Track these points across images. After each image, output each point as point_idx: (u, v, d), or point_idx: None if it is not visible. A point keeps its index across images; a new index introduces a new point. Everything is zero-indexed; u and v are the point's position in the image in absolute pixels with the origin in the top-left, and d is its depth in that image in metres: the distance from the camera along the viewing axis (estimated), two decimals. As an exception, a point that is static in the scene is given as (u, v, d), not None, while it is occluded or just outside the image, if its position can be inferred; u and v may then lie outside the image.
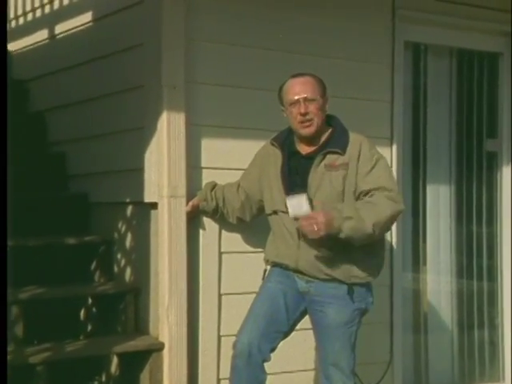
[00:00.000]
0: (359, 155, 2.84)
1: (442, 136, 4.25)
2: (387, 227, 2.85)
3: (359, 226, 2.71)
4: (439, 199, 4.23)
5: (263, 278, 3.04)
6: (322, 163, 2.85)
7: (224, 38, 3.39)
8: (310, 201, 2.74)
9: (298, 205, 2.74)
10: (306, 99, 2.87)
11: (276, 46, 3.50)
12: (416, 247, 4.17)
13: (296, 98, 2.88)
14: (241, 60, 3.43)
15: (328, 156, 2.86)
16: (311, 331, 3.00)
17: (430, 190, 4.20)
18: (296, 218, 2.78)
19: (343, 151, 2.85)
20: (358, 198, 2.83)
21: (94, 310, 3.58)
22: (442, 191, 4.24)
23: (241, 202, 3.15)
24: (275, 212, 2.96)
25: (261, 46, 3.46)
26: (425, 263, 4.22)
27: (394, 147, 3.85)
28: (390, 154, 3.82)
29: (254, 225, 3.24)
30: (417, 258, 4.18)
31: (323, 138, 2.92)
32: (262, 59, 3.47)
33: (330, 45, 3.64)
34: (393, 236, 3.83)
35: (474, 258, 4.35)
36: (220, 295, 3.37)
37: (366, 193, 2.81)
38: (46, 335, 3.27)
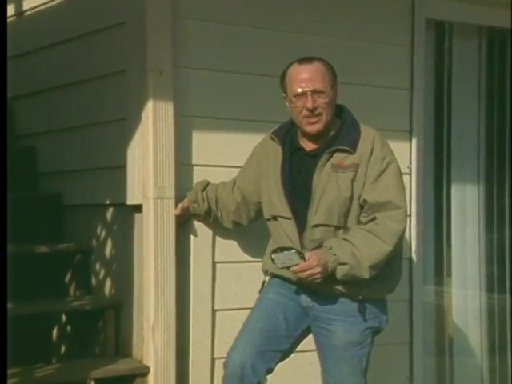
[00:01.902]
0: (371, 154, 2.87)
1: (470, 128, 4.28)
2: (387, 261, 2.88)
3: (354, 273, 2.80)
4: (466, 201, 4.26)
5: (261, 291, 3.06)
6: (329, 162, 2.87)
7: (218, 15, 3.41)
8: (301, 254, 2.76)
9: (287, 259, 2.78)
10: (314, 92, 2.87)
11: (278, 25, 3.53)
12: (439, 256, 4.20)
13: (302, 90, 2.88)
14: (237, 41, 3.45)
15: (336, 154, 2.88)
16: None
17: (456, 190, 4.24)
18: (286, 267, 2.81)
19: (353, 149, 2.87)
20: (361, 207, 2.88)
21: (68, 328, 3.61)
22: (469, 192, 4.27)
23: (236, 203, 3.18)
24: (274, 218, 2.99)
25: (261, 25, 3.49)
26: (449, 275, 4.25)
27: (414, 141, 3.88)
28: (409, 150, 3.86)
29: (253, 230, 3.27)
30: (440, 269, 4.21)
31: (331, 133, 2.93)
32: (263, 40, 3.50)
33: (340, 23, 3.68)
34: (412, 244, 3.86)
35: (507, 269, 4.38)
36: (214, 311, 3.40)
37: (369, 208, 2.85)
38: (13, 358, 3.28)
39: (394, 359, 3.81)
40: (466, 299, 4.28)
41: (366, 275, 2.80)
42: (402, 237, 2.90)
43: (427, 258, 4.10)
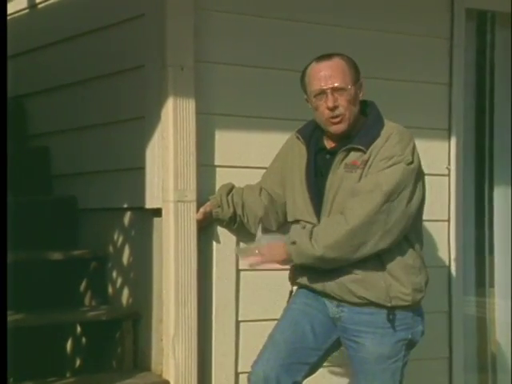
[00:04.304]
0: (378, 151, 2.83)
1: (513, 126, 4.29)
2: (358, 242, 2.82)
3: (302, 250, 2.86)
4: (509, 204, 4.25)
5: (288, 301, 3.09)
6: (343, 162, 2.88)
7: (243, 7, 3.44)
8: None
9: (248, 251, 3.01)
10: (334, 89, 2.88)
11: (307, 17, 3.55)
12: (480, 265, 4.20)
13: (322, 88, 2.89)
14: (263, 35, 3.48)
15: (352, 153, 2.88)
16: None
17: (498, 193, 4.23)
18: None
19: (367, 148, 2.85)
20: None
21: (83, 340, 3.64)
22: (514, 195, 4.27)
23: (264, 207, 3.20)
24: (297, 222, 3.01)
25: (288, 17, 3.51)
26: (492, 285, 4.24)
27: (453, 141, 3.88)
28: (448, 150, 3.86)
29: (279, 236, 3.30)
30: (481, 278, 4.20)
31: (354, 132, 2.92)
32: (290, 33, 3.52)
33: (372, 15, 3.69)
34: (451, 251, 3.86)
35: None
36: (238, 322, 3.42)
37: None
38: (26, 372, 3.32)
39: (431, 376, 3.81)
40: (510, 311, 4.26)
41: (319, 252, 2.81)
42: (373, 219, 2.79)
43: (467, 266, 4.09)
